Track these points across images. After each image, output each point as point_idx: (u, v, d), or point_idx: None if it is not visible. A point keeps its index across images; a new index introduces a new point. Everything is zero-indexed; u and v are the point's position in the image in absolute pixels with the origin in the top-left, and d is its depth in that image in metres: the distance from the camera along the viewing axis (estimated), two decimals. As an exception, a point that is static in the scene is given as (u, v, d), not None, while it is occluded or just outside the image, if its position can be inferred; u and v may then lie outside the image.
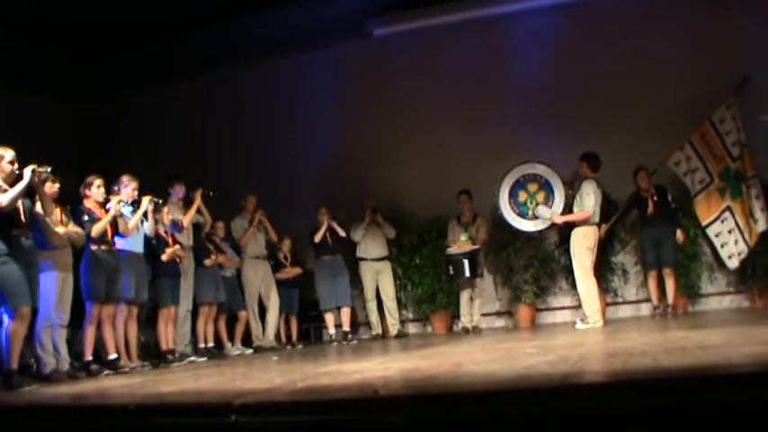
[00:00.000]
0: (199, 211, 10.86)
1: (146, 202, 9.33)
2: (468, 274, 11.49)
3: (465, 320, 11.91)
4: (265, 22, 12.75)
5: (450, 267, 11.60)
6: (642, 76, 11.85)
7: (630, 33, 12.04)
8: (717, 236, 11.40)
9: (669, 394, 3.60)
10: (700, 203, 11.48)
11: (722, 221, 11.35)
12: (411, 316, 13.06)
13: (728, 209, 11.32)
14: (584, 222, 10.10)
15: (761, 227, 11.07)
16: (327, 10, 12.60)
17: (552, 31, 12.15)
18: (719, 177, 11.38)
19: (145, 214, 9.37)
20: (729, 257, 11.36)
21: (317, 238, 12.07)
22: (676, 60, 11.73)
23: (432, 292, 12.56)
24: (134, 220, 9.17)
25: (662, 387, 3.81)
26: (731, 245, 11.29)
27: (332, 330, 12.27)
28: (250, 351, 11.23)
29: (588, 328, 9.87)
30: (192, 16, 12.74)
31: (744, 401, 3.36)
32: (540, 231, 11.23)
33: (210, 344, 10.80)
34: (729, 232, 11.30)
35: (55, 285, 8.11)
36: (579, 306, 10.61)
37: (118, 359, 8.73)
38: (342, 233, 12.16)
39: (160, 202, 9.75)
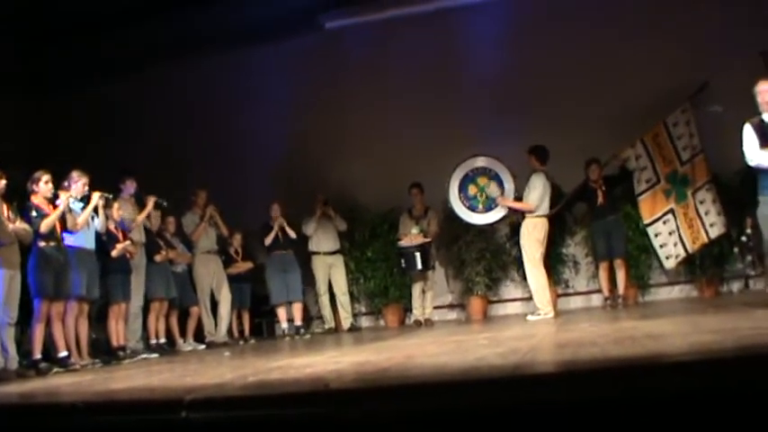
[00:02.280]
0: (148, 217, 10.82)
1: (96, 197, 9.25)
2: (419, 266, 11.54)
3: (417, 313, 11.94)
4: (219, 13, 12.70)
5: (402, 260, 11.64)
6: (599, 73, 11.92)
7: (589, 30, 12.11)
8: (656, 236, 11.66)
9: (618, 384, 3.64)
10: (644, 202, 11.70)
11: (664, 222, 11.62)
12: (364, 309, 13.08)
13: (671, 211, 11.60)
14: (534, 214, 10.19)
15: (717, 231, 11.32)
16: (280, 2, 12.55)
17: (507, 24, 12.19)
18: (666, 179, 11.63)
19: (95, 210, 9.29)
20: (667, 258, 11.67)
21: (267, 241, 12.08)
22: (636, 58, 11.80)
23: (384, 285, 12.59)
24: (84, 216, 9.08)
25: (611, 376, 3.85)
26: (670, 246, 11.59)
27: (284, 325, 12.23)
28: (202, 347, 11.19)
29: (539, 319, 9.95)
30: (146, 7, 12.62)
31: (691, 389, 3.40)
32: (491, 224, 11.32)
33: (162, 340, 10.75)
34: (670, 234, 11.59)
35: (2, 283, 8.00)
36: (531, 298, 10.67)
37: (68, 357, 8.63)
38: (292, 235, 12.14)
39: (110, 197, 9.67)
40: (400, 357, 5.79)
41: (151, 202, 10.75)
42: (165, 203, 10.91)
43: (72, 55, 13.56)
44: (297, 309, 12.21)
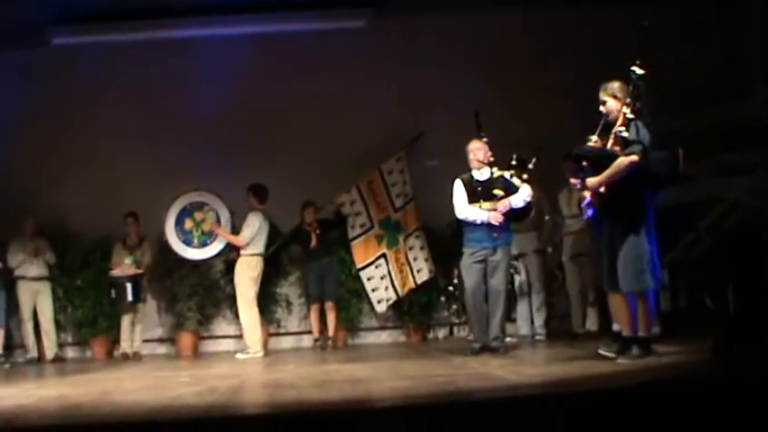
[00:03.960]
0: None
1: None
2: (130, 298, 11.28)
3: (125, 346, 11.62)
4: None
5: (113, 290, 11.34)
6: (320, 116, 12.11)
7: (313, 74, 12.28)
8: (369, 280, 11.99)
9: (309, 428, 3.70)
10: (357, 246, 12.04)
11: (376, 267, 11.99)
12: (70, 339, 12.53)
13: (384, 256, 12.01)
14: (249, 253, 10.27)
15: (424, 276, 11.84)
16: (10, 11, 11.95)
17: (235, 61, 12.16)
18: (379, 225, 12.05)
19: None
20: (378, 302, 12.02)
21: None
22: (356, 105, 12.15)
23: (93, 315, 12.14)
24: None
25: (303, 420, 3.90)
26: (381, 290, 11.98)
27: (-18, 353, 11.59)
28: None
29: (249, 358, 10.02)
30: None
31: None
32: (206, 260, 11.31)
33: None
34: (382, 278, 11.97)
35: None
36: (243, 335, 10.68)
37: None
38: None
39: None
40: (97, 393, 5.66)
41: None
42: None
43: None
44: (-3, 335, 11.60)
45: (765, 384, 4.12)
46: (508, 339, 9.58)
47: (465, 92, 11.40)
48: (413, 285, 11.87)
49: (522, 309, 10.90)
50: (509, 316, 10.04)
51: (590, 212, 6.84)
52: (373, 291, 11.97)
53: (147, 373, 8.25)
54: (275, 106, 12.22)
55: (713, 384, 4.42)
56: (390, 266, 11.94)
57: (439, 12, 11.91)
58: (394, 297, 11.94)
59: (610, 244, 6.59)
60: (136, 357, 11.47)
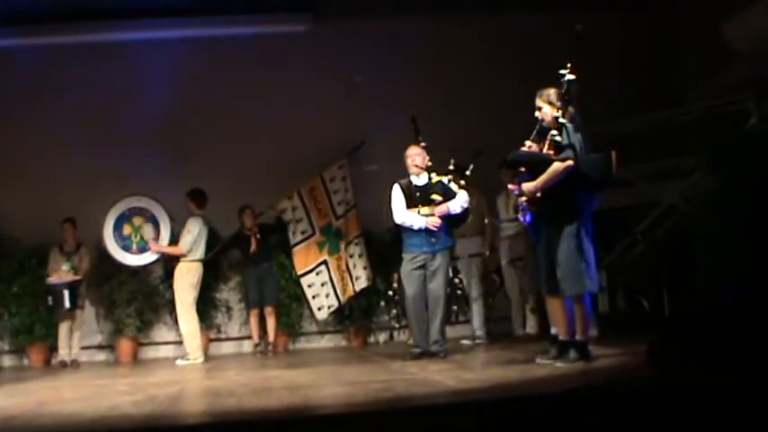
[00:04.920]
0: None
1: None
2: (68, 305, 11.12)
3: (63, 353, 11.47)
4: None
5: (50, 297, 11.18)
6: (261, 121, 12.20)
7: (252, 78, 12.29)
8: (309, 286, 12.00)
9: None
10: (298, 253, 12.03)
11: (317, 274, 12.01)
12: (7, 347, 12.35)
13: (325, 263, 12.04)
14: (188, 258, 10.24)
15: (362, 283, 11.93)
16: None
17: (174, 64, 12.09)
18: (321, 232, 12.06)
19: None
20: (319, 309, 12.04)
21: None
22: (298, 111, 12.17)
23: (30, 322, 11.97)
24: None
25: (241, 429, 3.89)
26: (322, 297, 11.99)
27: None
28: None
29: (188, 364, 9.97)
30: None
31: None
32: (145, 266, 11.25)
33: None
34: (322, 285, 11.99)
35: None
36: (182, 341, 10.62)
37: None
38: None
39: None
40: (33, 403, 5.58)
41: None
42: None
43: None
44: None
45: (700, 386, 4.19)
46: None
47: (403, 97, 11.49)
48: (352, 293, 11.92)
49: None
50: (449, 319, 10.11)
51: (528, 217, 6.89)
52: (314, 297, 11.97)
53: (85, 381, 8.14)
54: (216, 110, 12.18)
55: (649, 386, 4.48)
56: (332, 273, 11.97)
57: (378, 17, 12.03)
58: (335, 304, 11.98)
59: (548, 248, 6.66)
60: (74, 365, 11.32)
